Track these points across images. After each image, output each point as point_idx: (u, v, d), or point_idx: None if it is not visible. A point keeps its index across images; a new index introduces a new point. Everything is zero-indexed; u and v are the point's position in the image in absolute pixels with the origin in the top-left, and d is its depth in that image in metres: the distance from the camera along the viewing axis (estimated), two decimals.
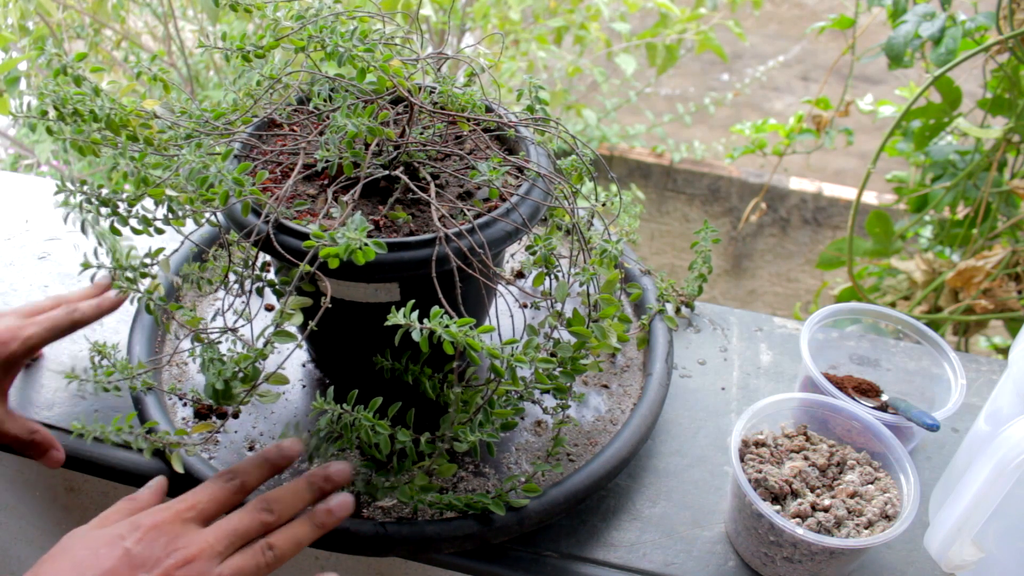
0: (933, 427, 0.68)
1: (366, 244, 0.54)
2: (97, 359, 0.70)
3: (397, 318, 0.55)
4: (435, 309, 0.56)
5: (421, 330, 0.55)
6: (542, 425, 0.75)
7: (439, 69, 0.75)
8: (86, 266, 0.67)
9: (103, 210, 0.64)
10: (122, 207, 0.64)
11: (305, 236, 0.58)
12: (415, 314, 0.56)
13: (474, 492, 0.68)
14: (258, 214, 0.63)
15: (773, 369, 0.85)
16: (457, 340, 0.54)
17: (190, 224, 0.76)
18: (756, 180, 2.78)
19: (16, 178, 1.13)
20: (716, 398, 0.82)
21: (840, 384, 0.76)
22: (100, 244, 0.67)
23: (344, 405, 0.61)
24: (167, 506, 0.55)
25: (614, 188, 0.87)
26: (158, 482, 0.62)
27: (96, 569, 0.51)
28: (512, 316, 0.78)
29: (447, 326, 0.55)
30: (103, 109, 0.64)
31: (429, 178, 0.66)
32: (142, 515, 0.55)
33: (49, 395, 0.80)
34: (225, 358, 0.58)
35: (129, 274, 0.65)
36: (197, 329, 0.62)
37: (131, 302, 0.87)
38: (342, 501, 0.60)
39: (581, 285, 0.62)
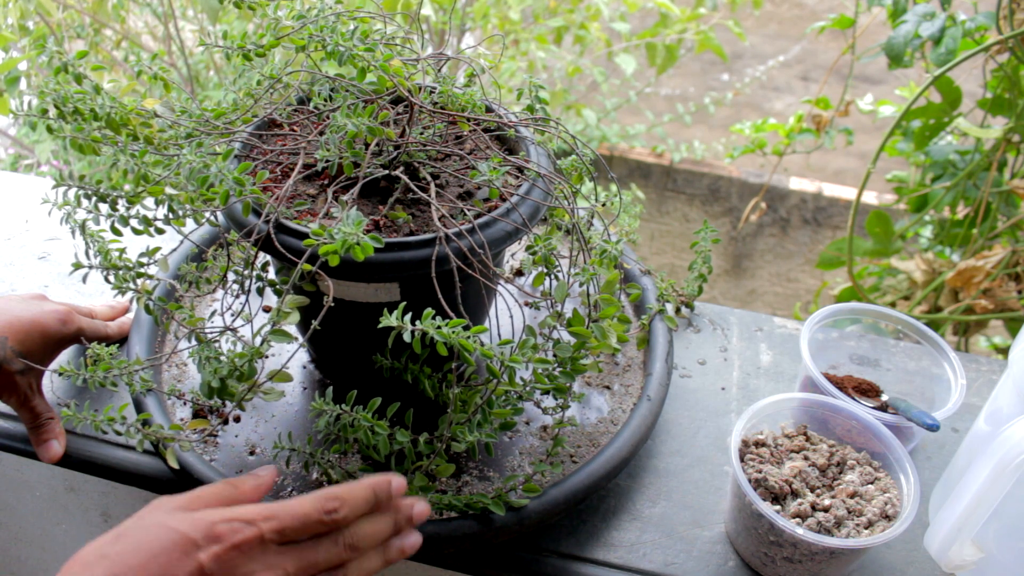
0: (933, 427, 0.68)
1: (363, 239, 0.54)
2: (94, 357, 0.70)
3: (389, 320, 0.55)
4: (427, 311, 0.55)
5: (413, 332, 0.55)
6: (548, 430, 0.75)
7: (439, 69, 0.75)
8: (77, 266, 0.67)
9: (102, 208, 0.64)
10: (121, 205, 0.64)
11: (305, 235, 0.58)
12: (407, 316, 0.55)
13: None
14: (258, 214, 0.63)
15: (773, 369, 0.85)
16: (450, 341, 0.54)
17: (190, 224, 0.76)
18: (756, 180, 2.78)
19: (16, 178, 1.13)
20: (716, 398, 0.82)
21: (840, 384, 0.76)
22: (89, 245, 0.68)
23: (343, 405, 0.61)
24: (251, 519, 0.51)
25: (614, 188, 0.87)
26: (268, 476, 0.59)
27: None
28: (512, 316, 0.78)
29: (439, 327, 0.54)
30: (103, 107, 0.64)
31: (429, 178, 0.66)
32: (222, 524, 0.50)
33: (49, 396, 0.80)
34: (222, 357, 0.58)
35: (121, 273, 0.65)
36: (195, 328, 0.62)
37: (130, 302, 0.87)
38: (415, 542, 0.58)
39: (581, 285, 0.62)
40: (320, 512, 0.52)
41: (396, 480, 0.57)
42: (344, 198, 0.63)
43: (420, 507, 0.58)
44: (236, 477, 0.57)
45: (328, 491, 0.54)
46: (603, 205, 0.85)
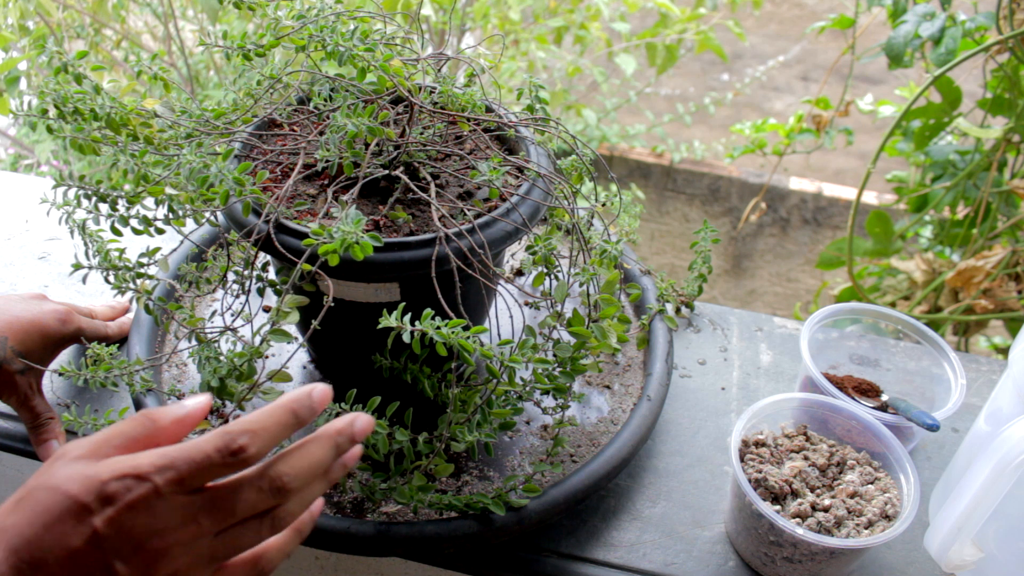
0: (933, 427, 0.68)
1: (362, 238, 0.54)
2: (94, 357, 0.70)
3: (389, 321, 0.55)
4: (426, 311, 0.55)
5: (412, 332, 0.55)
6: (548, 430, 0.75)
7: (439, 69, 0.75)
8: (77, 267, 0.67)
9: (102, 208, 0.64)
10: (121, 205, 0.65)
11: (305, 235, 0.58)
12: (407, 317, 0.55)
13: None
14: (258, 214, 0.63)
15: (773, 369, 0.85)
16: (449, 342, 0.54)
17: (190, 224, 0.76)
18: (756, 180, 2.78)
19: (16, 178, 1.13)
20: (716, 398, 0.82)
21: (840, 384, 0.76)
22: (89, 245, 0.68)
23: (342, 404, 0.61)
24: (144, 472, 0.43)
25: (614, 188, 0.87)
26: (196, 406, 0.48)
27: (58, 549, 0.42)
28: (512, 316, 0.78)
29: (438, 328, 0.54)
30: (103, 107, 0.64)
31: (429, 178, 0.66)
32: (114, 482, 0.43)
33: (49, 396, 0.80)
34: (222, 357, 0.58)
35: (121, 273, 0.65)
36: (195, 328, 0.62)
37: (130, 302, 0.88)
38: (355, 454, 0.50)
39: (581, 285, 0.62)
40: (224, 454, 0.44)
41: (318, 389, 0.48)
42: (344, 198, 0.63)
43: (362, 422, 0.49)
44: (158, 408, 0.48)
45: (235, 425, 0.45)
46: (603, 205, 0.85)
